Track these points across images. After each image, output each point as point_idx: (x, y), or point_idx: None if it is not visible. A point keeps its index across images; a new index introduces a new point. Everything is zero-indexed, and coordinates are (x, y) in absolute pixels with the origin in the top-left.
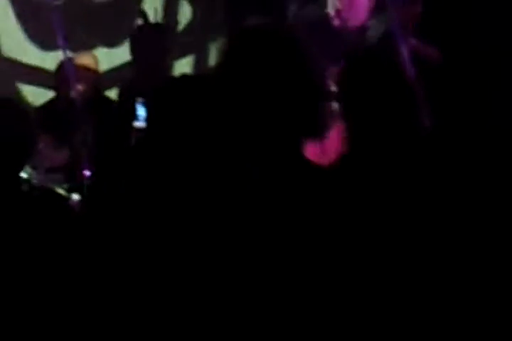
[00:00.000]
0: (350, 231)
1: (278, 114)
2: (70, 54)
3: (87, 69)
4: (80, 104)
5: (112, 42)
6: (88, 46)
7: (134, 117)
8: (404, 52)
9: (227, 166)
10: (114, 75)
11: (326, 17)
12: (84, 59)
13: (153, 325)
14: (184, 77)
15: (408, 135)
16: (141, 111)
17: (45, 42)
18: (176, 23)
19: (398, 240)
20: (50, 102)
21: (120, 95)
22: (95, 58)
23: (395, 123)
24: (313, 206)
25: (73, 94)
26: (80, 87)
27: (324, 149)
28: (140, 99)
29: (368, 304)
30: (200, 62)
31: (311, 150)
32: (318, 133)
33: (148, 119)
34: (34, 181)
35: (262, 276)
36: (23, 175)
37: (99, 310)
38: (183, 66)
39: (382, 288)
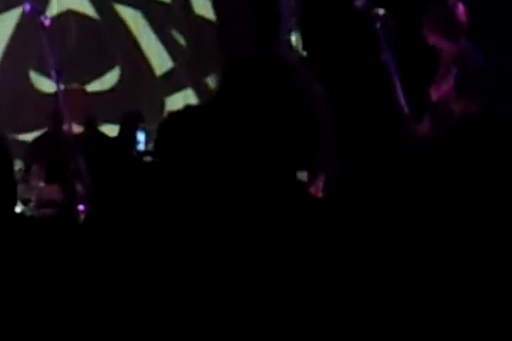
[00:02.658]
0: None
1: (275, 143)
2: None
3: (77, 102)
4: (72, 137)
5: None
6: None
7: (135, 143)
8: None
9: (227, 193)
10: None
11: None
12: (74, 92)
13: (152, 325)
14: (188, 108)
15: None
16: (140, 137)
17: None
18: None
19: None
20: (43, 136)
21: (121, 124)
22: (85, 92)
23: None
24: (308, 236)
25: (65, 127)
26: (71, 121)
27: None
28: (141, 125)
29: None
30: (192, 97)
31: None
32: (313, 165)
33: (155, 149)
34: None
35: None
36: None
37: (98, 312)
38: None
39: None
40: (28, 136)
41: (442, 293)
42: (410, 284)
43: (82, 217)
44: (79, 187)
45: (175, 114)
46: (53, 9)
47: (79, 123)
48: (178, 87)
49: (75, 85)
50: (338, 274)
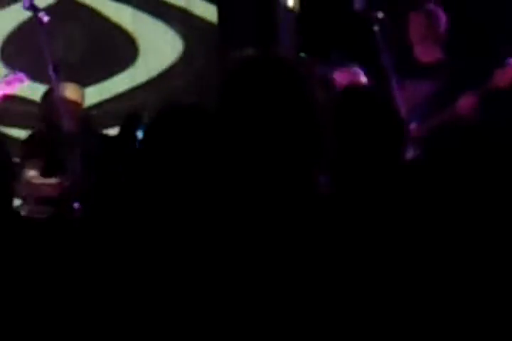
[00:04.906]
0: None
1: (276, 145)
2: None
3: (72, 100)
4: (68, 134)
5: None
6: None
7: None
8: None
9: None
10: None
11: None
12: (68, 91)
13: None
14: (178, 108)
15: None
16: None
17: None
18: None
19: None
20: (37, 133)
21: (123, 124)
22: (80, 90)
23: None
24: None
25: (62, 124)
26: (68, 118)
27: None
28: (142, 125)
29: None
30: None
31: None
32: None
33: (141, 151)
34: (23, 213)
35: None
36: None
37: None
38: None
39: None
40: (22, 133)
41: (431, 295)
42: (406, 285)
43: (78, 214)
44: (75, 185)
45: (163, 115)
46: None
47: (75, 120)
48: None
49: (71, 83)
50: (337, 275)
